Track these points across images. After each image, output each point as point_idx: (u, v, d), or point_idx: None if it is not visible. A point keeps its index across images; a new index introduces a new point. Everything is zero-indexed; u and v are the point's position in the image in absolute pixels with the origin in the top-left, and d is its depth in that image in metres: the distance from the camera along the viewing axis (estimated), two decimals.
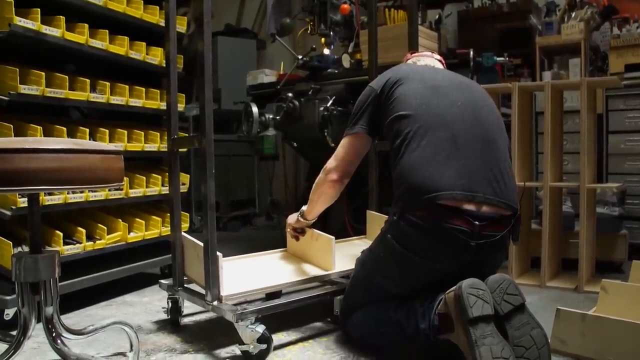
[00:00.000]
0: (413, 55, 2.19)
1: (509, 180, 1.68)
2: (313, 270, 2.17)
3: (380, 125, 1.86)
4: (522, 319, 1.49)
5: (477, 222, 1.55)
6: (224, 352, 1.89)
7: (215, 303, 1.84)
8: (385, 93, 1.83)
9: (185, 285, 2.11)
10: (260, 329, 1.74)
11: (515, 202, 1.68)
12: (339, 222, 3.21)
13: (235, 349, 1.85)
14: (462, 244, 1.56)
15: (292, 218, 2.24)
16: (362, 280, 1.85)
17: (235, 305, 1.85)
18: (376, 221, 2.57)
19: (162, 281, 2.21)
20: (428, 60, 2.10)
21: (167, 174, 2.96)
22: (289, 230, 2.27)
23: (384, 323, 1.70)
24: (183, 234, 2.14)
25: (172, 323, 2.18)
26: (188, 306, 2.23)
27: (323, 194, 1.96)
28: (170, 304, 2.18)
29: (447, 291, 1.56)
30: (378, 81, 1.91)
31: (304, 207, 2.12)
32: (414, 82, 1.79)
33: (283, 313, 2.00)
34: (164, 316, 2.23)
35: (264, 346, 1.74)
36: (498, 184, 1.63)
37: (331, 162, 1.92)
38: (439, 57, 2.15)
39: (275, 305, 1.91)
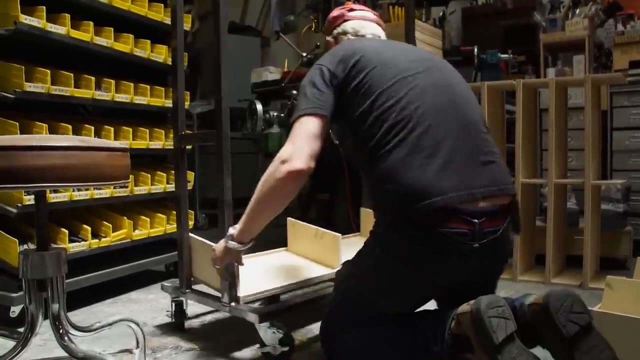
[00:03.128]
0: (352, 14, 1.84)
1: (499, 161, 1.47)
2: (320, 269, 2.14)
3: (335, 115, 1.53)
4: (589, 341, 1.26)
5: (475, 220, 1.33)
6: (229, 349, 1.89)
7: (233, 304, 1.78)
8: (346, 78, 1.51)
9: (193, 287, 2.06)
10: (283, 330, 1.71)
11: (512, 186, 1.47)
12: (343, 218, 3.21)
13: (239, 346, 1.85)
14: (465, 249, 1.34)
15: (219, 249, 1.69)
16: (349, 298, 1.56)
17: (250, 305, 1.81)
18: (371, 219, 2.57)
19: (165, 283, 2.13)
20: (373, 27, 1.82)
21: (172, 171, 2.98)
22: (217, 268, 1.73)
23: (385, 347, 1.45)
24: (192, 235, 2.08)
25: (176, 327, 2.12)
26: (193, 302, 2.22)
27: (279, 191, 1.47)
28: (174, 307, 2.11)
29: (459, 310, 1.33)
30: (331, 61, 1.55)
31: (235, 228, 1.64)
32: (377, 65, 1.50)
33: (289, 314, 1.99)
34: (170, 313, 2.23)
35: (286, 348, 1.70)
36: (491, 170, 1.42)
37: (288, 148, 1.46)
38: (381, 23, 1.88)
39: (293, 305, 1.86)
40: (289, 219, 2.45)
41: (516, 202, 1.49)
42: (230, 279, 1.74)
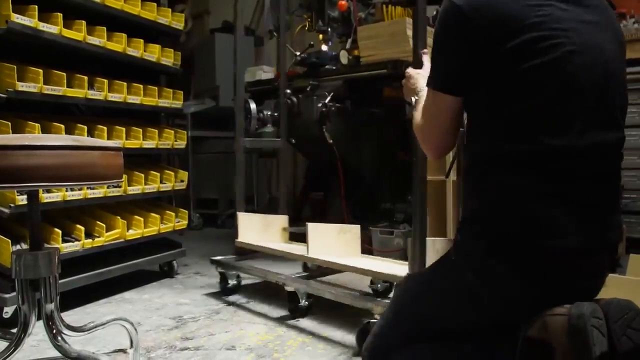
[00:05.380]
0: None
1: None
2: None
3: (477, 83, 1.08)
4: None
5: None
6: (223, 348, 1.89)
7: None
8: (511, 52, 1.01)
9: None
10: None
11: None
12: (337, 217, 3.21)
13: (237, 345, 1.85)
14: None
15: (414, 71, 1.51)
16: (412, 318, 1.35)
17: None
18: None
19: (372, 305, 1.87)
20: None
21: (166, 170, 2.97)
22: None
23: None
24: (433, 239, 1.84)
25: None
26: (187, 302, 2.22)
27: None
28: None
29: (549, 312, 1.15)
30: (479, 11, 1.01)
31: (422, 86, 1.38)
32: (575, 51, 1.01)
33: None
34: (164, 312, 2.22)
35: None
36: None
37: (418, 127, 1.25)
38: None
39: None
40: (308, 223, 2.38)
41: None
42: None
